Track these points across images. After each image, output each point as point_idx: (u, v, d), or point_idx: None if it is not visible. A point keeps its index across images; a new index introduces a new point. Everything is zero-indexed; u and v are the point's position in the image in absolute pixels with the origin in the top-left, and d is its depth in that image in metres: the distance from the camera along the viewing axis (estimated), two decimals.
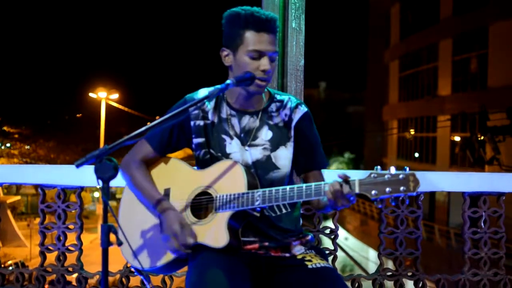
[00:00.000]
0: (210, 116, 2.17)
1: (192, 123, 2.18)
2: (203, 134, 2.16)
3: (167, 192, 2.15)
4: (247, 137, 2.14)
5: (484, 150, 17.87)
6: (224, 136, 2.14)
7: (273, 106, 2.18)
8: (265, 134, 2.14)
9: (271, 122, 2.16)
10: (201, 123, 2.17)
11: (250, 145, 2.13)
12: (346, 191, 1.82)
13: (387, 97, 30.50)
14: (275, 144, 2.14)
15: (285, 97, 2.21)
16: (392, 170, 1.76)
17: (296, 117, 2.17)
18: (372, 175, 1.77)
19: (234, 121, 2.15)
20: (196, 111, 2.18)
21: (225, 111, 2.17)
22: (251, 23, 2.01)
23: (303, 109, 2.19)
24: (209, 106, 2.18)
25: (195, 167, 2.20)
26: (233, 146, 2.13)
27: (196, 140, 2.18)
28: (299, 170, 2.23)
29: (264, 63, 2.02)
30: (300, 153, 2.17)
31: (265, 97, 2.20)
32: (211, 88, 2.08)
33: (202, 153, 2.17)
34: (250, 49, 2.02)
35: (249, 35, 2.02)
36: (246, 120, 2.15)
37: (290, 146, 2.15)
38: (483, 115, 17.63)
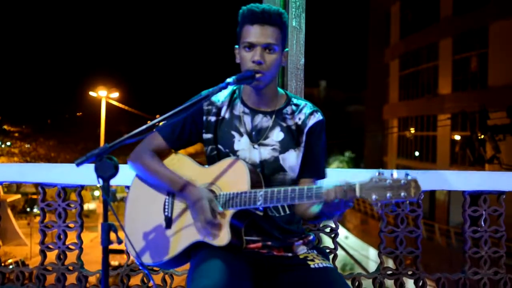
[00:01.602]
0: (222, 112, 2.18)
1: (204, 118, 2.18)
2: (212, 130, 2.17)
3: None
4: (258, 136, 2.14)
5: (484, 149, 17.85)
6: (233, 133, 2.14)
7: (289, 109, 2.18)
8: (277, 135, 2.14)
9: (284, 124, 2.15)
10: (213, 118, 2.18)
11: (260, 144, 2.13)
12: (349, 196, 1.80)
13: (387, 96, 30.50)
14: (285, 146, 2.13)
15: (302, 102, 2.21)
16: (395, 174, 1.74)
17: (310, 123, 2.16)
18: (374, 180, 1.75)
19: (247, 118, 2.15)
20: (209, 107, 2.18)
21: (238, 108, 2.17)
22: (247, 17, 2.05)
23: (318, 116, 2.18)
24: (224, 102, 2.19)
25: (206, 166, 2.19)
26: (241, 143, 2.13)
27: (205, 136, 2.18)
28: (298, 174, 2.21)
29: (255, 53, 2.03)
30: (303, 158, 2.16)
31: (281, 99, 2.19)
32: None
33: (209, 149, 2.17)
34: (244, 42, 2.05)
35: (245, 28, 2.06)
36: (259, 119, 2.15)
37: (299, 151, 2.15)
38: (483, 114, 17.62)
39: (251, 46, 2.04)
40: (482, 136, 17.58)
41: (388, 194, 1.72)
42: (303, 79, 2.90)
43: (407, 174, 1.74)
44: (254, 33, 2.03)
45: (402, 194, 1.71)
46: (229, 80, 2.02)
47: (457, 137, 22.56)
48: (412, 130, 27.08)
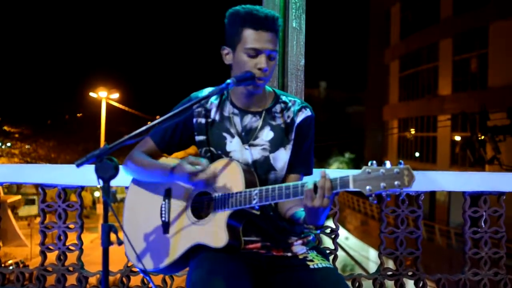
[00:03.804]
0: (212, 114, 2.18)
1: (194, 120, 2.18)
2: (204, 132, 2.17)
3: (168, 192, 2.15)
4: (248, 136, 2.14)
5: (484, 149, 17.86)
6: (225, 134, 2.14)
7: (278, 107, 2.18)
8: (266, 135, 2.13)
9: (273, 123, 2.15)
10: (203, 121, 2.17)
11: (250, 145, 2.13)
12: (342, 189, 1.79)
13: (388, 96, 30.49)
14: (274, 145, 2.13)
15: (290, 99, 2.20)
16: (388, 164, 1.72)
17: (299, 119, 2.16)
18: (367, 171, 1.73)
19: (236, 119, 2.15)
20: (199, 109, 2.18)
21: (228, 109, 2.17)
22: (249, 21, 2.01)
23: (307, 112, 2.18)
24: (213, 104, 2.19)
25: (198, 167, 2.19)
26: (233, 144, 2.13)
27: (197, 138, 2.18)
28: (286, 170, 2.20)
29: (261, 61, 2.02)
30: (291, 153, 2.16)
31: (269, 98, 2.19)
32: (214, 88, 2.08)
33: (203, 151, 2.17)
34: (247, 47, 2.02)
35: (247, 33, 2.02)
36: (248, 119, 2.15)
37: (289, 148, 2.15)
38: (483, 114, 17.64)
39: (255, 52, 2.02)
40: (482, 137, 17.59)
41: (382, 184, 1.70)
42: (303, 80, 2.90)
43: (400, 163, 1.72)
44: (260, 39, 2.00)
45: (396, 183, 1.69)
46: (229, 81, 2.01)
47: (457, 138, 22.57)
48: (412, 131, 27.09)
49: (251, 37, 2.01)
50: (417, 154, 26.83)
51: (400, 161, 1.73)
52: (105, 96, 25.60)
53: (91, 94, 26.60)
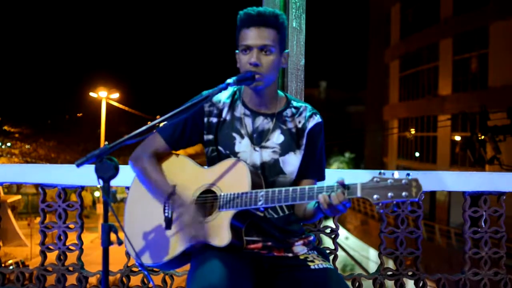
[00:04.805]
0: (224, 114, 2.19)
1: (205, 119, 2.19)
2: (213, 131, 2.18)
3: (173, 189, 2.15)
4: (259, 138, 2.15)
5: (484, 149, 17.83)
6: (234, 135, 2.15)
7: (289, 112, 2.19)
8: (277, 138, 2.15)
9: (284, 127, 2.17)
10: (214, 120, 2.19)
11: (261, 147, 2.14)
12: (350, 197, 1.80)
13: (388, 96, 30.49)
14: (285, 148, 2.14)
15: (301, 105, 2.22)
16: (396, 174, 1.75)
17: (310, 125, 2.18)
18: (375, 179, 1.76)
19: (248, 120, 2.16)
20: (210, 108, 2.19)
21: (239, 110, 2.18)
22: (243, 20, 2.07)
23: (317, 118, 2.20)
24: (225, 104, 2.20)
25: (206, 166, 2.20)
26: (242, 145, 2.14)
27: (206, 137, 2.19)
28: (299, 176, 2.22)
29: (251, 56, 2.04)
30: (304, 160, 2.18)
31: (281, 102, 2.21)
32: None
33: (210, 150, 2.18)
34: (241, 45, 2.07)
35: (242, 32, 2.08)
36: (260, 121, 2.16)
37: (299, 153, 2.16)
38: (483, 114, 17.60)
39: (248, 49, 2.06)
40: (483, 137, 17.55)
41: (389, 194, 1.74)
42: (303, 79, 2.90)
43: (408, 174, 1.76)
44: (250, 36, 2.04)
45: (403, 194, 1.73)
46: (229, 80, 2.02)
47: (457, 138, 22.55)
48: (412, 131, 27.08)
49: (244, 35, 2.06)
50: (417, 154, 26.83)
51: (408, 172, 1.76)
52: (105, 96, 25.60)
53: (91, 94, 26.62)
